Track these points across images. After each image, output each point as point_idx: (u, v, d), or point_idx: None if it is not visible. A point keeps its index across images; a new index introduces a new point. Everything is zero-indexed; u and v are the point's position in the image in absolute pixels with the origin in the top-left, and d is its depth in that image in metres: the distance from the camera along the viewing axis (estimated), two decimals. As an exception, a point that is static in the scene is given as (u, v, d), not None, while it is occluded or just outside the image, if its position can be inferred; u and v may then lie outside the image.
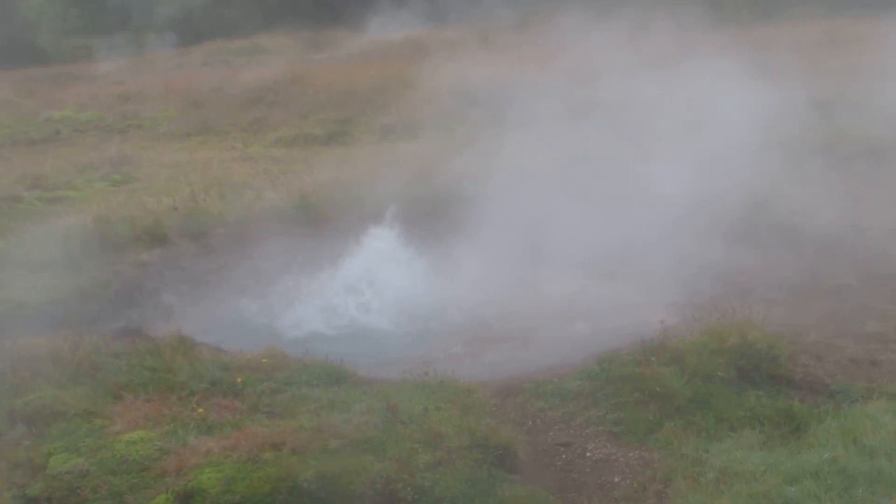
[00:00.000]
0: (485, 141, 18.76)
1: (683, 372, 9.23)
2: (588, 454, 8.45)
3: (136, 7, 49.87)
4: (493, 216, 14.10)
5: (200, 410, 8.66)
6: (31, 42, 47.91)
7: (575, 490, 7.95)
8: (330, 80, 30.30)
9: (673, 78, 17.73)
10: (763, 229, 14.41)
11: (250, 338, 11.50)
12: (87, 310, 12.14)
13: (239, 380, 9.34)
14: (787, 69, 19.83)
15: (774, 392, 9.16)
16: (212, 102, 29.86)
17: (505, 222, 14.07)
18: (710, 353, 9.43)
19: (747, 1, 34.37)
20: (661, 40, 19.48)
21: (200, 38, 44.86)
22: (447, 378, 9.29)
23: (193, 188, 18.01)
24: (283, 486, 7.28)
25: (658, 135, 16.45)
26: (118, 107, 30.65)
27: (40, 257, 13.78)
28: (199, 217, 15.82)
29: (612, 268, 13.45)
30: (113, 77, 37.18)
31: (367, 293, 12.88)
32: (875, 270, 12.90)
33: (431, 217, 14.67)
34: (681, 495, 7.29)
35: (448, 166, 17.25)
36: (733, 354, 9.38)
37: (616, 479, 8.04)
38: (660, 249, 13.03)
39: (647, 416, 8.75)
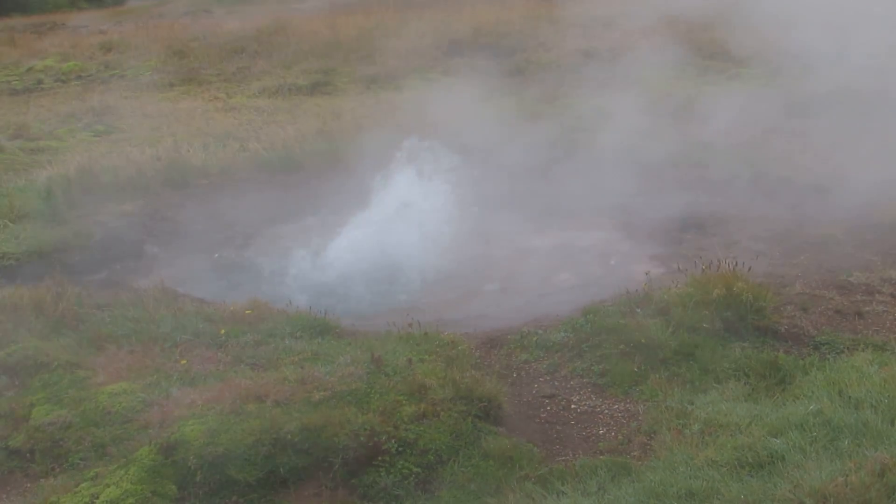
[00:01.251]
0: (466, 89, 18.63)
1: (668, 324, 9.22)
2: (573, 406, 8.45)
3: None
4: (472, 165, 14.03)
5: (183, 362, 8.65)
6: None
7: (559, 442, 7.96)
8: (314, 30, 29.96)
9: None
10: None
11: (234, 289, 11.46)
12: (70, 260, 12.05)
13: (222, 331, 9.32)
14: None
15: (760, 344, 9.15)
16: (195, 52, 29.51)
17: (485, 172, 14.01)
18: (696, 304, 9.41)
19: None
20: None
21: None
22: (431, 330, 9.28)
23: (177, 138, 17.87)
24: (267, 438, 7.27)
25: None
26: (100, 56, 30.26)
27: (22, 208, 13.68)
28: (182, 167, 15.69)
29: (596, 218, 13.42)
30: (95, 26, 36.76)
31: (350, 243, 12.78)
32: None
33: (415, 166, 14.51)
34: (665, 447, 7.28)
35: (429, 117, 17.11)
36: (718, 306, 9.35)
37: (600, 432, 8.05)
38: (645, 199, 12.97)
39: (632, 368, 8.75)
